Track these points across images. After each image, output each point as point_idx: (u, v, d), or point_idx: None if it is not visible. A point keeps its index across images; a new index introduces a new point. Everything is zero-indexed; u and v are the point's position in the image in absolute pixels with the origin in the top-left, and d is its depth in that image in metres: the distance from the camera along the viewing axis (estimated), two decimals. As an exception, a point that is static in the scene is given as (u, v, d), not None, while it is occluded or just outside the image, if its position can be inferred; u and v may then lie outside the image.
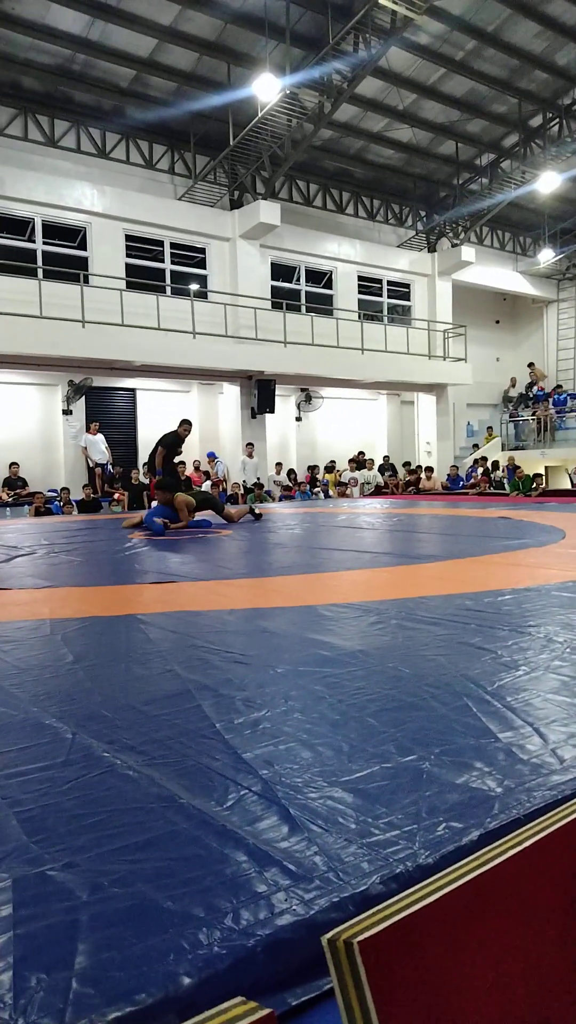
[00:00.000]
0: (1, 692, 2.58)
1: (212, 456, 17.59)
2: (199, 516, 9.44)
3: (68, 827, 1.60)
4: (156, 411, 17.66)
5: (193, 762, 1.93)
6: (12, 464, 15.10)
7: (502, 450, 21.84)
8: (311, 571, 5.58)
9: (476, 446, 22.75)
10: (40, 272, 15.03)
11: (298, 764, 1.90)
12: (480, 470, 19.19)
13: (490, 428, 23.07)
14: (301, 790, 1.75)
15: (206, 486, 16.09)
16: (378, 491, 18.21)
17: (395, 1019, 0.96)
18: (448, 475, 19.05)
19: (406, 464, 20.32)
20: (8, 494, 14.73)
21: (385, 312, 21.10)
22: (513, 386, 24.51)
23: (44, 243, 15.45)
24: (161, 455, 10.24)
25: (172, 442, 10.36)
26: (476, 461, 20.39)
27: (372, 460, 19.40)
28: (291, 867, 1.42)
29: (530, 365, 24.42)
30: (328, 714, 2.28)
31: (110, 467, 15.97)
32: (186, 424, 10.57)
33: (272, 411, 17.53)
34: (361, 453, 19.65)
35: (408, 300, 21.76)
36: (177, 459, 11.36)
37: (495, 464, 19.89)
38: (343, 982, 0.98)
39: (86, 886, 1.37)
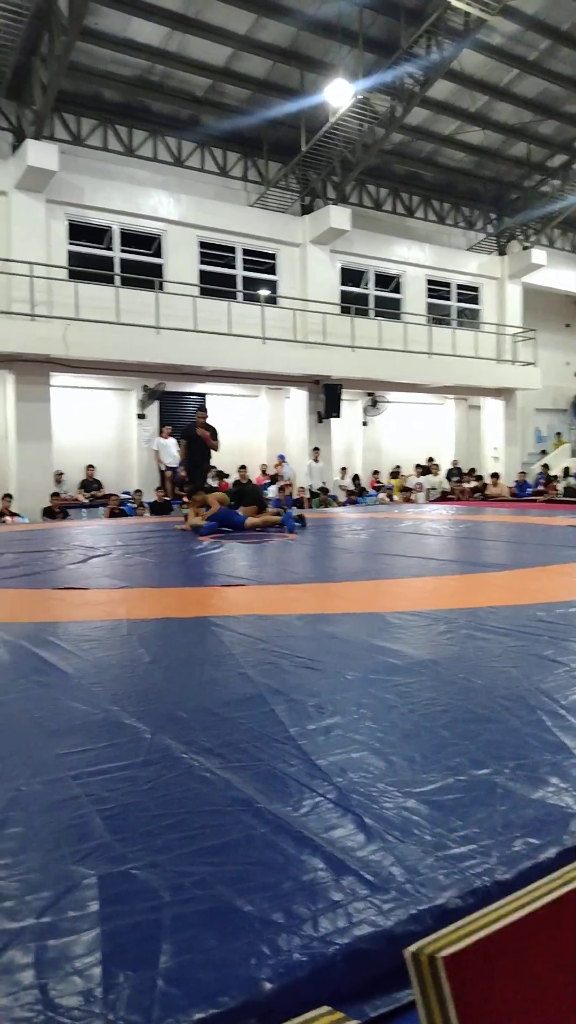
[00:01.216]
0: (83, 691, 2.66)
1: (281, 459, 17.68)
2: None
3: (149, 827, 1.65)
4: (225, 415, 17.85)
5: (268, 767, 1.96)
6: (88, 467, 15.47)
7: (572, 456, 21.35)
8: (377, 577, 5.56)
9: (544, 452, 22.29)
10: (117, 279, 15.36)
11: (372, 773, 1.91)
12: (548, 477, 18.79)
13: (559, 434, 22.57)
14: (376, 799, 1.76)
15: (273, 490, 16.19)
16: (444, 497, 18.02)
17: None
18: (516, 481, 18.72)
19: (471, 471, 20.05)
20: (84, 496, 15.10)
21: (454, 316, 20.87)
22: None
23: (121, 251, 15.79)
24: (184, 449, 10.27)
25: (191, 433, 10.32)
26: (544, 467, 19.97)
27: (438, 465, 19.20)
28: (368, 877, 1.43)
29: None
30: (400, 724, 2.28)
31: (180, 471, 16.19)
32: (201, 412, 10.47)
33: (338, 415, 17.52)
34: (430, 459, 19.47)
35: (477, 303, 21.47)
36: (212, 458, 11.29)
37: (565, 470, 19.45)
38: (426, 996, 0.99)
39: (168, 886, 1.41)
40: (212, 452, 10.60)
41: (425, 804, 1.73)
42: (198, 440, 10.35)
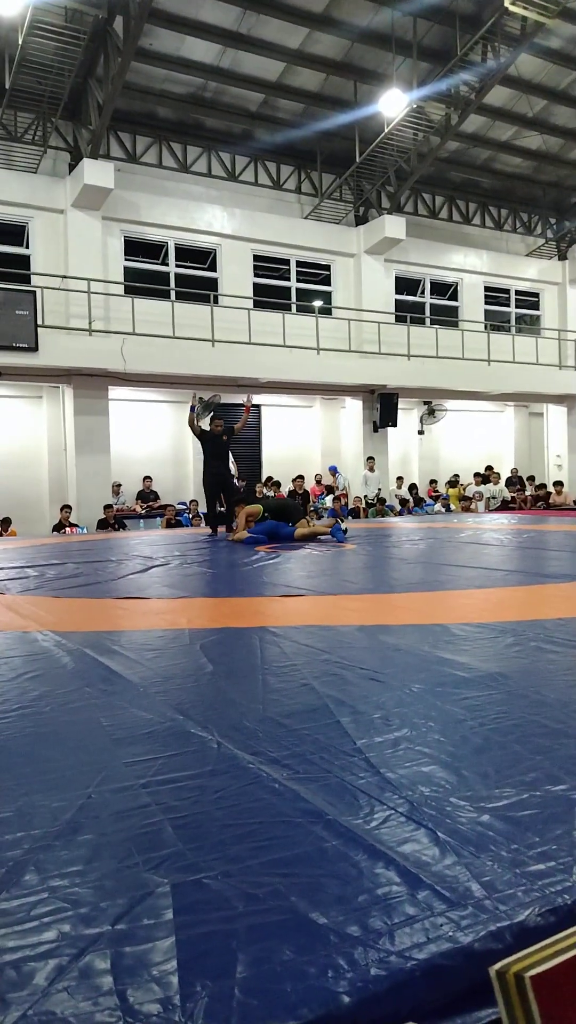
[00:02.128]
0: (148, 699, 2.68)
1: (334, 470, 17.66)
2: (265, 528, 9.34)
3: (220, 836, 1.64)
4: (280, 426, 17.95)
5: (337, 779, 1.94)
6: (146, 478, 15.70)
7: None
8: (438, 588, 5.49)
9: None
10: (173, 294, 15.60)
11: (443, 787, 1.88)
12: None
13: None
14: (449, 813, 1.72)
15: (328, 500, 16.17)
16: (504, 506, 17.73)
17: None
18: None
19: (531, 479, 19.70)
20: (141, 506, 15.32)
21: (513, 322, 20.60)
22: None
23: (177, 265, 16.05)
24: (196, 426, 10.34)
25: (204, 435, 10.34)
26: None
27: (498, 474, 18.93)
28: (444, 892, 1.40)
29: None
30: (470, 737, 2.24)
31: (236, 481, 16.29)
32: (217, 421, 10.53)
33: (394, 425, 17.44)
34: (489, 468, 19.22)
35: (537, 309, 21.18)
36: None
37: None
38: (512, 1016, 0.97)
39: (241, 896, 1.41)
40: (231, 457, 10.71)
41: (500, 819, 1.69)
42: (215, 445, 10.34)
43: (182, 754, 2.15)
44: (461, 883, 1.43)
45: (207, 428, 10.51)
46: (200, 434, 10.40)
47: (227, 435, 10.46)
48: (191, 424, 10.45)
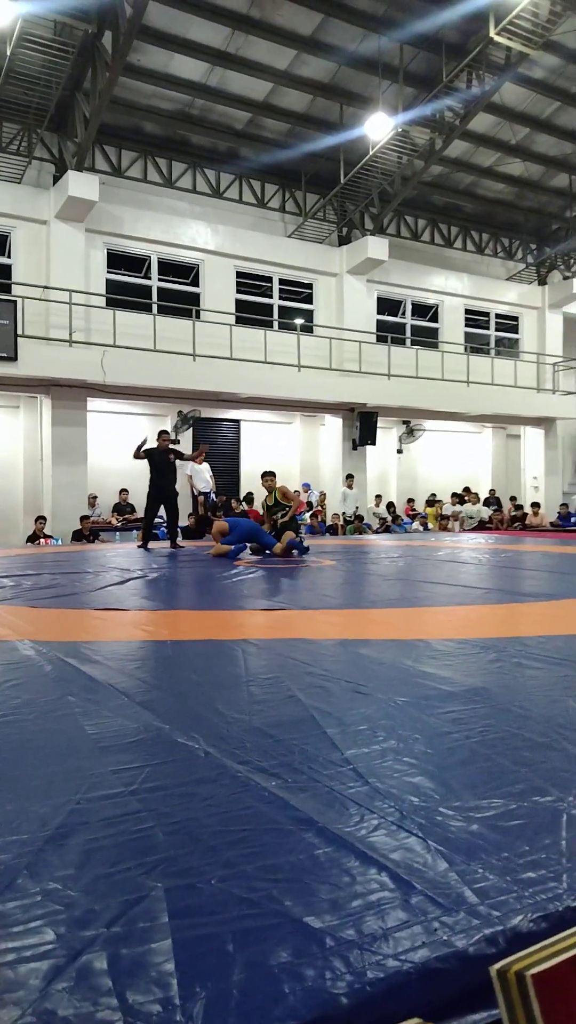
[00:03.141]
0: (133, 709, 2.67)
1: (306, 487, 17.72)
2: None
3: (212, 842, 1.65)
4: (259, 442, 17.98)
5: (326, 788, 1.95)
6: (122, 491, 15.63)
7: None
8: (418, 604, 5.53)
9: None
10: (155, 308, 15.62)
11: (433, 797, 1.90)
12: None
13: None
14: (439, 823, 1.74)
15: (307, 516, 16.20)
16: (481, 526, 17.89)
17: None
18: (559, 512, 18.53)
19: (512, 499, 19.90)
20: (118, 519, 15.24)
21: (492, 345, 20.88)
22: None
23: (159, 280, 16.07)
24: (141, 450, 10.44)
25: (150, 452, 10.44)
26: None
27: (477, 495, 19.09)
28: (437, 897, 1.42)
29: None
30: (456, 750, 2.26)
31: (213, 496, 16.29)
32: (164, 435, 10.70)
33: (373, 443, 17.55)
34: (466, 489, 19.38)
35: (516, 333, 21.47)
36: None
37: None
38: (513, 1015, 0.98)
39: (236, 901, 1.41)
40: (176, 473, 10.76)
41: (490, 829, 1.71)
42: (162, 462, 10.50)
43: (169, 762, 2.15)
44: (454, 889, 1.45)
45: (154, 446, 10.64)
46: (146, 454, 10.50)
47: (174, 455, 10.61)
48: (135, 455, 10.51)
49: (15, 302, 13.02)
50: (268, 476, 9.96)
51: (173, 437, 16.45)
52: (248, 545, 9.35)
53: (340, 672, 3.27)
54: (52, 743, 2.35)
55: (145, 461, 10.63)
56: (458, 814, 1.79)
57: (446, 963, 1.24)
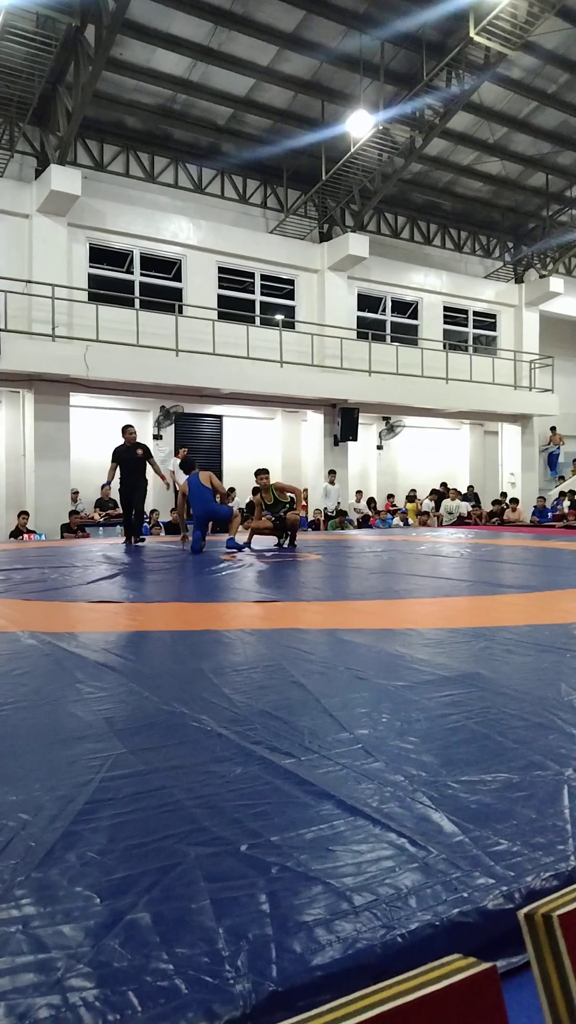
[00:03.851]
0: (143, 693, 2.74)
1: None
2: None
3: (236, 815, 1.73)
4: (241, 438, 18.04)
5: (339, 764, 2.04)
6: (104, 486, 15.59)
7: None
8: (407, 596, 5.64)
9: (563, 478, 22.35)
10: (137, 302, 15.60)
11: (440, 771, 1.99)
12: (567, 503, 18.84)
13: (576, 460, 22.64)
14: (449, 794, 1.84)
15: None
16: (460, 522, 18.09)
17: (592, 991, 1.04)
18: (535, 507, 18.77)
19: (503, 495, 20.10)
20: (100, 514, 15.23)
21: (471, 342, 21.08)
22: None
23: (141, 274, 16.06)
24: (111, 471, 10.42)
25: (117, 453, 10.42)
26: (562, 493, 20.03)
27: (456, 490, 19.29)
28: (456, 860, 1.51)
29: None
30: (458, 729, 2.36)
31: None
32: (128, 428, 10.68)
33: (355, 439, 17.67)
34: (444, 484, 19.57)
35: (494, 330, 21.69)
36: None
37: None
38: (540, 955, 1.07)
39: (265, 866, 1.49)
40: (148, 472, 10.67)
41: (497, 799, 1.81)
42: (130, 460, 10.41)
43: (185, 743, 2.23)
44: (469, 853, 1.54)
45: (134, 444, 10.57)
46: (115, 455, 10.46)
47: (143, 453, 10.54)
48: (110, 477, 10.56)
49: (-3, 296, 12.96)
50: (262, 475, 9.60)
51: (154, 433, 16.50)
52: (201, 533, 9.37)
53: (338, 659, 3.36)
54: (68, 727, 2.42)
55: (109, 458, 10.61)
56: (465, 787, 1.89)
57: (468, 917, 1.34)
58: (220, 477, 17.45)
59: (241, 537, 9.78)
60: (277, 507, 9.71)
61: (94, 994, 1.12)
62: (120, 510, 15.32)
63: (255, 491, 10.10)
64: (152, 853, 1.55)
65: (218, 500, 9.51)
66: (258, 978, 1.15)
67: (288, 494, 9.73)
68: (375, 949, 1.23)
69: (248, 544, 9.66)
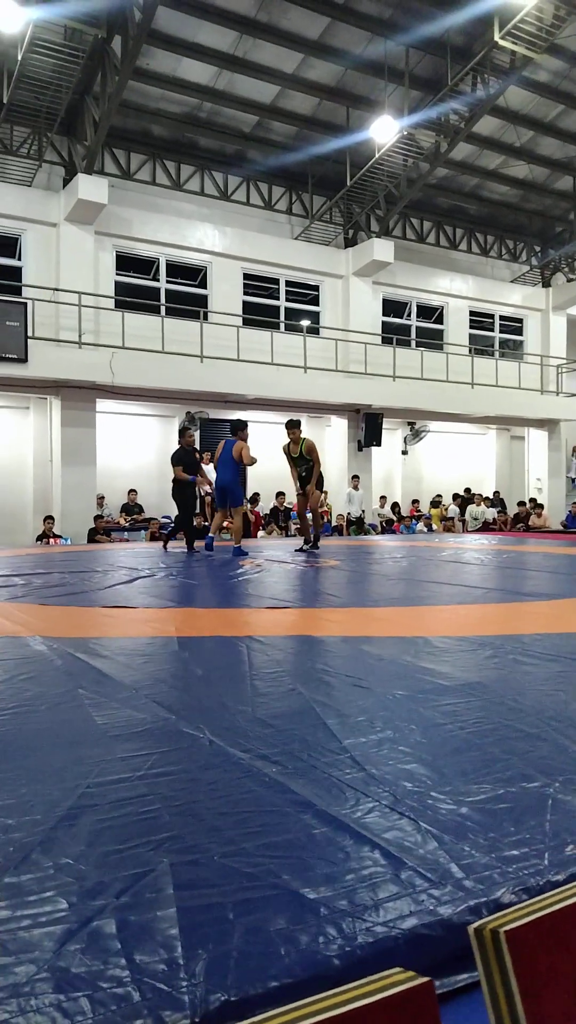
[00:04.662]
0: (140, 700, 2.77)
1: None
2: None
3: (215, 823, 1.74)
4: (265, 443, 18.06)
5: (324, 773, 2.04)
6: (131, 491, 15.74)
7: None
8: (419, 603, 5.62)
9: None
10: (163, 309, 15.74)
11: (425, 782, 1.99)
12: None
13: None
14: (430, 806, 1.83)
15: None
16: (485, 527, 17.96)
17: (541, 1010, 1.03)
18: (570, 512, 18.57)
19: (532, 500, 19.93)
20: (126, 519, 15.36)
21: (496, 347, 20.94)
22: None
23: (168, 282, 16.21)
24: (181, 471, 10.25)
25: (179, 457, 10.32)
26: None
27: (480, 495, 19.16)
28: (426, 872, 1.51)
29: None
30: (450, 740, 2.35)
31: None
32: (187, 431, 10.58)
33: (379, 444, 17.64)
34: (468, 490, 19.45)
35: (521, 335, 21.53)
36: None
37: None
38: (488, 970, 1.07)
39: (236, 875, 1.50)
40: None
41: (478, 811, 1.80)
42: (192, 464, 10.34)
43: (175, 750, 2.25)
44: (442, 865, 1.54)
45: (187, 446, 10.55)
46: (178, 459, 10.36)
47: (197, 453, 10.55)
48: (183, 478, 10.34)
49: (25, 304, 13.15)
50: (293, 427, 9.60)
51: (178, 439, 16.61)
52: (213, 537, 9.51)
53: (340, 667, 3.36)
54: (63, 732, 2.45)
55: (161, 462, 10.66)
56: (449, 798, 1.88)
57: (432, 930, 1.34)
58: (244, 483, 17.54)
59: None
60: (301, 462, 9.70)
61: (49, 1000, 1.14)
62: (147, 514, 15.53)
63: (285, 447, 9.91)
64: (126, 860, 1.57)
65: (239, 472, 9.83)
66: (212, 987, 1.16)
67: (312, 456, 9.62)
68: (333, 961, 1.24)
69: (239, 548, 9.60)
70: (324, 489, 15.91)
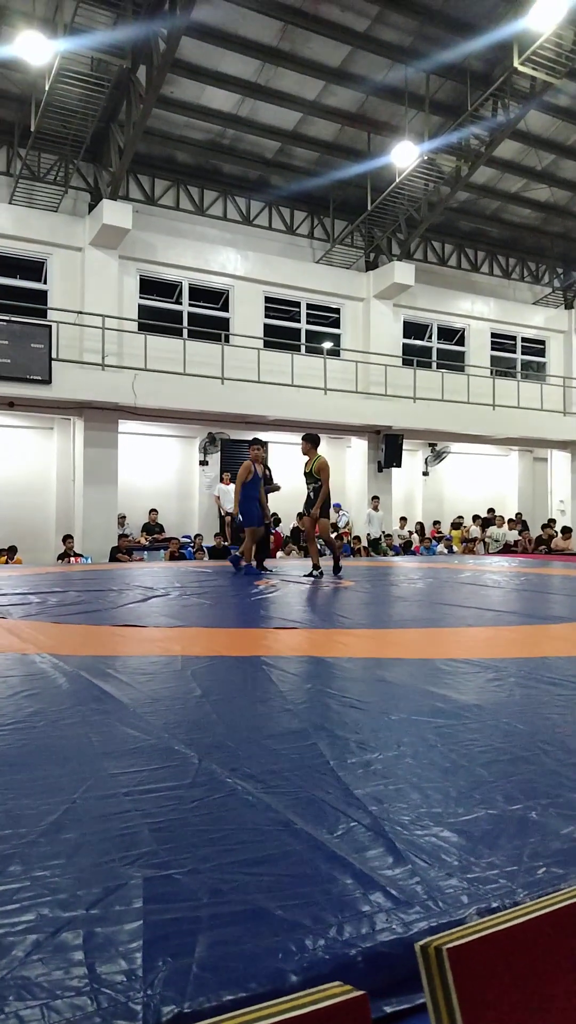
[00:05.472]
0: (137, 719, 2.81)
1: (337, 507, 17.82)
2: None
3: (192, 840, 1.77)
4: (286, 464, 18.13)
5: (307, 794, 2.06)
6: (151, 511, 15.88)
7: None
8: (431, 625, 5.61)
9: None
10: (185, 332, 15.95)
11: (406, 804, 2.00)
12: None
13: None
14: (408, 827, 1.84)
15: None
16: (507, 549, 17.84)
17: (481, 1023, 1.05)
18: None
19: (551, 522, 19.79)
20: (146, 538, 15.48)
21: (519, 368, 20.91)
22: None
23: (190, 305, 16.43)
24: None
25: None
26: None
27: (502, 517, 19.05)
28: (394, 892, 1.52)
29: None
30: (439, 761, 2.36)
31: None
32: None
33: (399, 465, 17.64)
34: (491, 510, 19.36)
35: (543, 356, 21.50)
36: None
37: None
38: (432, 986, 1.08)
39: (207, 890, 1.53)
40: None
41: (455, 833, 1.81)
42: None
43: (164, 768, 2.28)
44: (410, 886, 1.55)
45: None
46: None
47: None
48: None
49: (50, 327, 13.40)
50: (307, 440, 9.25)
51: (200, 459, 16.71)
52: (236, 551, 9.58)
53: (341, 689, 3.37)
54: (58, 748, 2.49)
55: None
56: (428, 819, 1.89)
57: (393, 948, 1.35)
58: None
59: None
60: (310, 480, 9.38)
61: (9, 1008, 1.17)
62: (168, 534, 15.63)
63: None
64: (101, 874, 1.59)
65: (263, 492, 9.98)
66: (167, 998, 1.19)
67: (322, 476, 9.16)
68: (290, 977, 1.26)
69: (248, 563, 9.89)
70: (331, 517, 15.78)
